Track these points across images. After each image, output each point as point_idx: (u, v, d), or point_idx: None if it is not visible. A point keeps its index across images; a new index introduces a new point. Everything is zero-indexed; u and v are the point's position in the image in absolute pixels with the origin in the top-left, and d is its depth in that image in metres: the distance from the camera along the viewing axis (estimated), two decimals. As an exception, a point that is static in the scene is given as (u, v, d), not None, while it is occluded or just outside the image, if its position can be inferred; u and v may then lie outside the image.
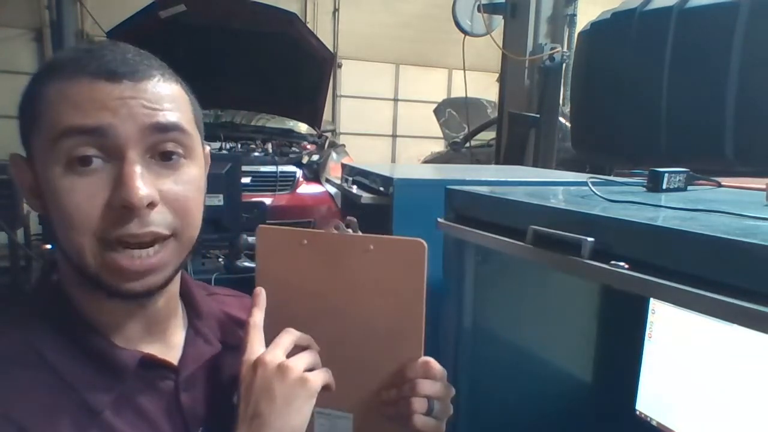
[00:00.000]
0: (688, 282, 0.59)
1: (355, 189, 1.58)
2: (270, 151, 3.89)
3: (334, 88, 8.13)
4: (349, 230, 0.65)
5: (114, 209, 0.53)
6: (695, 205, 0.81)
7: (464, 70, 3.71)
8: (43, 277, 0.63)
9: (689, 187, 1.08)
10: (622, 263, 0.66)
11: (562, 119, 3.41)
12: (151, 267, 0.55)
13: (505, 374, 1.19)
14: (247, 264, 1.95)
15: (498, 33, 3.57)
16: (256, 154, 3.80)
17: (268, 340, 0.62)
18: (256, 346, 0.59)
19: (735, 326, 0.84)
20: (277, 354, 0.58)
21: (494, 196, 0.96)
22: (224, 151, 3.66)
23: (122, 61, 0.55)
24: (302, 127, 4.47)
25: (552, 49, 3.22)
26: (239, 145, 3.87)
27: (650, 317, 1.07)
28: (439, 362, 0.65)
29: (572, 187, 1.22)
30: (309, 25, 5.61)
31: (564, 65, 3.27)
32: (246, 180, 3.29)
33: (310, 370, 0.59)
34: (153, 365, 0.60)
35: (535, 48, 3.28)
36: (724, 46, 1.86)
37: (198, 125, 0.62)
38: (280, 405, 0.56)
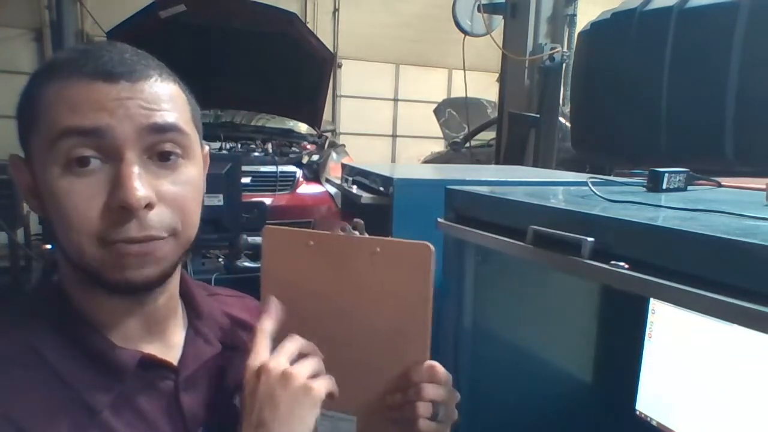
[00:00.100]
0: (688, 282, 0.59)
1: (355, 189, 1.58)
2: (270, 151, 3.89)
3: (334, 88, 8.14)
4: (356, 232, 0.64)
5: (112, 210, 0.53)
6: (695, 205, 0.81)
7: (464, 70, 3.71)
8: (44, 277, 0.63)
9: (689, 187, 1.08)
10: (622, 263, 0.66)
11: (562, 119, 3.41)
12: (151, 253, 0.55)
13: (505, 374, 1.19)
14: (247, 264, 1.95)
15: (498, 33, 3.57)
16: (256, 154, 3.80)
17: (273, 341, 0.62)
18: (261, 352, 0.58)
19: (735, 326, 0.84)
20: (280, 361, 0.57)
21: (494, 196, 0.96)
22: (224, 151, 3.66)
23: (119, 61, 0.55)
24: (302, 127, 4.47)
25: (552, 49, 3.22)
26: (239, 145, 3.87)
27: (650, 317, 1.07)
28: (439, 362, 0.65)
29: (572, 187, 1.22)
30: (309, 25, 5.61)
31: (564, 65, 3.27)
32: (246, 180, 3.29)
33: (315, 376, 0.58)
34: (153, 365, 0.60)
35: (535, 48, 3.28)
36: (724, 46, 1.86)
37: (196, 125, 0.62)
38: (284, 413, 0.55)
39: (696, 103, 2.00)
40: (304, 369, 0.57)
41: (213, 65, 3.32)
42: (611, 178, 1.39)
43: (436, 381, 0.63)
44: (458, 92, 7.54)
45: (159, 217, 0.55)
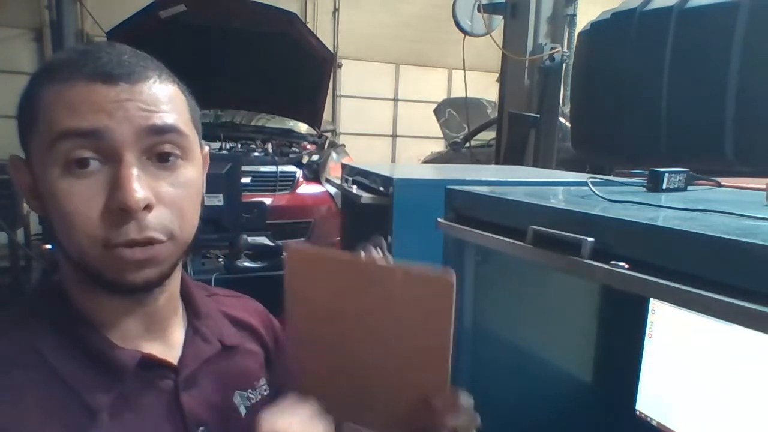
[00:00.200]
0: (688, 282, 0.59)
1: (355, 189, 1.58)
2: (270, 151, 3.89)
3: (334, 88, 8.13)
4: (378, 250, 0.64)
5: (111, 211, 0.53)
6: (695, 205, 0.81)
7: (464, 70, 3.71)
8: (44, 277, 0.63)
9: (689, 187, 1.08)
10: (622, 263, 0.66)
11: (562, 119, 3.41)
12: (150, 257, 0.55)
13: (505, 374, 1.19)
14: (247, 264, 1.96)
15: (498, 33, 3.57)
16: (256, 154, 3.80)
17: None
18: (280, 413, 0.59)
19: (735, 326, 0.84)
20: (293, 426, 0.58)
21: (494, 196, 0.96)
22: (224, 151, 3.65)
23: (118, 63, 0.55)
24: (302, 127, 4.46)
25: (552, 49, 3.22)
26: (239, 145, 3.87)
27: (650, 317, 1.07)
28: None
29: (572, 187, 1.22)
30: (309, 25, 5.61)
31: (564, 65, 3.27)
32: (246, 180, 3.28)
33: None
34: (153, 365, 0.60)
35: (535, 48, 3.28)
36: (724, 46, 1.86)
37: (195, 126, 0.62)
38: None
39: (696, 103, 2.00)
40: None
41: (213, 65, 3.32)
42: (611, 178, 1.39)
43: (456, 408, 0.63)
44: (458, 92, 7.54)
45: (158, 218, 0.55)
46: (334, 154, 4.03)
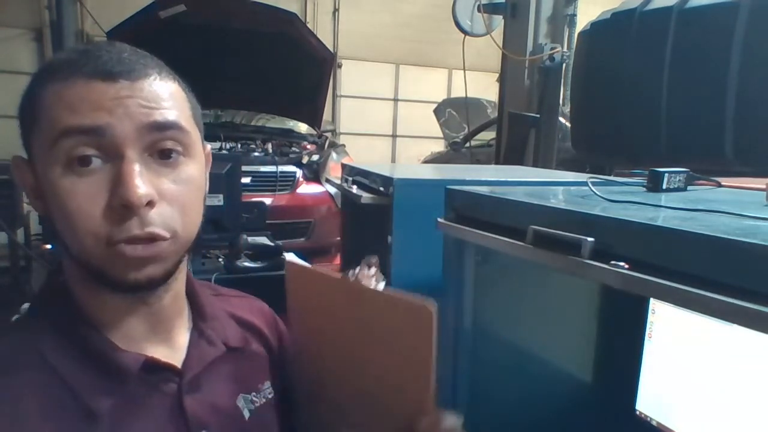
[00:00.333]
0: (688, 282, 0.58)
1: (355, 189, 1.57)
2: (270, 151, 3.88)
3: (334, 88, 8.14)
4: (373, 270, 0.65)
5: (114, 209, 0.53)
6: (695, 205, 0.81)
7: (464, 70, 3.71)
8: (50, 278, 0.63)
9: (689, 187, 1.08)
10: (622, 263, 0.66)
11: (562, 119, 3.41)
12: (154, 255, 0.55)
13: (505, 374, 1.19)
14: (247, 264, 1.95)
15: (498, 33, 3.56)
16: (256, 154, 3.80)
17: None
18: None
19: (735, 326, 0.84)
20: None
21: (494, 196, 0.96)
22: (224, 151, 3.65)
23: (118, 60, 0.55)
24: (302, 127, 4.46)
25: (552, 49, 3.22)
26: (239, 145, 3.87)
27: (650, 317, 1.07)
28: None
29: (572, 187, 1.22)
30: (309, 25, 5.61)
31: (564, 65, 3.26)
32: (246, 180, 3.28)
33: None
34: (156, 368, 0.60)
35: (535, 48, 3.28)
36: (724, 46, 1.86)
37: (197, 123, 0.62)
38: None
39: (696, 103, 2.00)
40: None
41: (213, 65, 3.32)
42: (611, 178, 1.39)
43: None
44: (458, 92, 7.54)
45: (160, 215, 0.55)
46: (334, 154, 4.03)
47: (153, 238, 0.55)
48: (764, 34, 1.81)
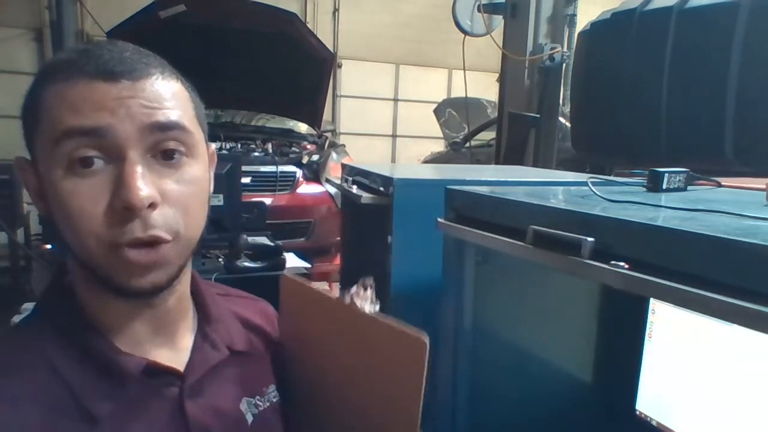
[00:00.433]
0: (688, 282, 0.58)
1: (355, 189, 1.57)
2: (270, 151, 3.89)
3: (334, 88, 8.14)
4: (369, 291, 0.65)
5: (116, 210, 0.52)
6: (695, 205, 0.81)
7: (464, 70, 3.71)
8: (54, 278, 0.62)
9: (689, 187, 1.08)
10: (622, 263, 0.66)
11: (562, 119, 3.41)
12: (157, 260, 0.55)
13: (505, 374, 1.19)
14: (247, 264, 1.95)
15: (498, 33, 3.56)
16: (256, 154, 3.80)
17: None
18: None
19: (735, 326, 0.84)
20: None
21: (494, 196, 0.96)
22: (224, 151, 3.65)
23: (120, 60, 0.54)
24: (302, 127, 4.46)
25: (552, 49, 3.22)
26: (239, 145, 3.87)
27: (650, 317, 1.07)
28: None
29: (572, 187, 1.22)
30: (309, 25, 5.61)
31: (564, 65, 3.26)
32: (246, 180, 3.29)
33: None
34: (158, 372, 0.59)
35: (535, 48, 3.28)
36: (724, 46, 1.86)
37: (201, 123, 0.61)
38: None
39: (696, 103, 2.00)
40: None
41: (213, 65, 3.31)
42: (611, 178, 1.39)
43: None
44: (458, 92, 7.54)
45: (163, 216, 0.54)
46: (334, 154, 4.04)
47: (156, 241, 0.54)
48: (764, 34, 1.81)
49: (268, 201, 3.32)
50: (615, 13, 2.33)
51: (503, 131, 3.48)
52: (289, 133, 4.39)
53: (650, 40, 2.11)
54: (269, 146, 3.95)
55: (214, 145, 0.66)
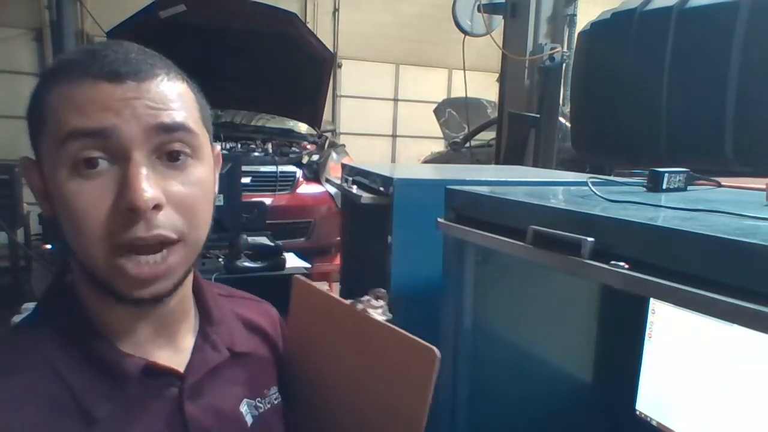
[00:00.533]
0: (688, 282, 0.58)
1: (355, 189, 1.57)
2: (270, 151, 3.89)
3: (334, 88, 8.13)
4: (381, 302, 0.65)
5: (120, 212, 0.52)
6: (695, 205, 0.81)
7: (464, 70, 3.71)
8: (55, 279, 0.62)
9: (689, 187, 1.08)
10: (622, 263, 0.66)
11: (562, 119, 3.41)
12: (160, 274, 0.55)
13: (504, 374, 1.19)
14: (247, 264, 1.95)
15: (498, 33, 3.56)
16: (256, 154, 3.80)
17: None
18: None
19: (735, 326, 0.84)
20: None
21: (494, 196, 0.96)
22: (224, 151, 3.65)
23: (125, 61, 0.54)
24: (302, 127, 4.46)
25: (552, 49, 3.22)
26: (239, 145, 3.87)
27: (650, 317, 1.07)
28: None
29: (572, 187, 1.22)
30: (309, 25, 5.61)
31: (564, 65, 3.27)
32: (246, 180, 3.29)
33: None
34: (157, 372, 0.59)
35: (535, 48, 3.28)
36: (724, 46, 1.86)
37: (206, 124, 0.61)
38: None
39: (696, 103, 2.00)
40: None
41: (213, 65, 3.32)
42: (611, 178, 1.39)
43: None
44: (458, 92, 7.54)
45: (168, 218, 0.54)
46: (334, 154, 4.04)
47: (161, 242, 0.54)
48: (764, 34, 1.81)
49: (268, 201, 3.32)
50: (615, 13, 2.33)
51: (503, 131, 3.48)
52: (289, 133, 4.39)
53: (650, 40, 2.11)
54: (269, 146, 3.95)
55: (218, 147, 0.66)
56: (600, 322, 1.32)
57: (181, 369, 0.62)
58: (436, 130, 6.45)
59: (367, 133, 8.59)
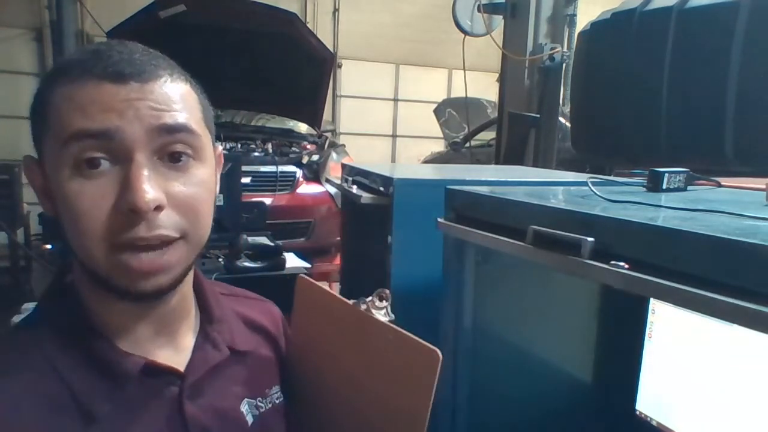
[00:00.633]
0: (688, 282, 0.58)
1: (355, 189, 1.57)
2: (270, 151, 3.89)
3: (334, 88, 8.13)
4: (384, 303, 0.65)
5: (121, 213, 0.52)
6: (695, 205, 0.81)
7: (464, 70, 3.71)
8: (56, 278, 0.62)
9: (689, 187, 1.08)
10: (622, 263, 0.66)
11: (562, 119, 3.41)
12: (160, 267, 0.55)
13: (504, 374, 1.19)
14: (247, 264, 1.95)
15: (498, 33, 3.56)
16: (256, 154, 3.80)
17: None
18: None
19: (735, 326, 0.84)
20: None
21: (494, 196, 0.96)
22: (224, 151, 3.65)
23: (128, 61, 0.54)
24: (302, 127, 4.46)
25: (552, 49, 3.22)
26: (239, 145, 3.87)
27: (650, 317, 1.07)
28: None
29: (572, 187, 1.22)
30: (309, 25, 5.61)
31: (564, 65, 3.27)
32: (246, 180, 3.29)
33: None
34: (157, 372, 0.59)
35: (535, 48, 3.28)
36: (724, 46, 1.86)
37: (208, 126, 0.61)
38: None
39: (696, 103, 2.00)
40: None
41: (213, 65, 3.32)
42: (611, 178, 1.39)
43: None
44: (458, 92, 7.53)
45: (169, 219, 0.54)
46: (334, 154, 4.04)
47: (162, 242, 0.54)
48: (764, 34, 1.81)
49: (268, 201, 3.32)
50: (615, 13, 2.33)
51: (503, 131, 3.48)
52: (289, 133, 4.39)
53: (650, 40, 2.11)
54: (269, 146, 3.95)
55: (221, 147, 0.66)
56: (600, 322, 1.32)
57: (182, 368, 0.62)
58: (436, 130, 6.45)
59: (367, 133, 8.59)
